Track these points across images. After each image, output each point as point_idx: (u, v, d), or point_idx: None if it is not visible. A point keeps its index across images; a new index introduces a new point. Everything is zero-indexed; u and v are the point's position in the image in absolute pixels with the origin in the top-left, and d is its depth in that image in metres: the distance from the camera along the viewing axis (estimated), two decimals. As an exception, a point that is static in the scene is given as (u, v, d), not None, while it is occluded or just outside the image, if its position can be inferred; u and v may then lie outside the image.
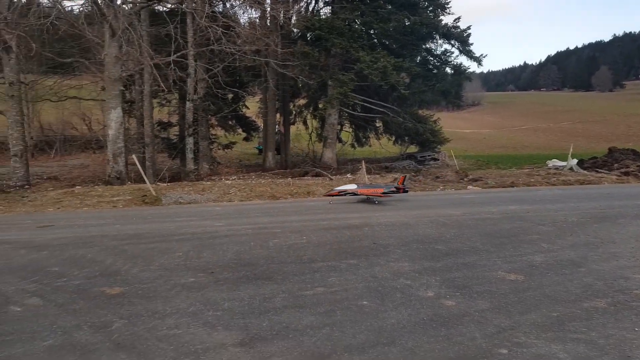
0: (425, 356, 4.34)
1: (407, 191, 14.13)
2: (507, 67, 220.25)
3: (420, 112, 31.21)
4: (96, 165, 31.18)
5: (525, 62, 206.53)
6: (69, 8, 33.88)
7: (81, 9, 24.64)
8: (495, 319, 5.17)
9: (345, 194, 13.61)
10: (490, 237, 8.91)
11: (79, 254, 8.22)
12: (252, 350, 4.48)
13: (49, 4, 20.87)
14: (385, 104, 27.90)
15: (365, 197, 13.68)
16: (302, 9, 30.30)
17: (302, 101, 36.40)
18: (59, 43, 24.25)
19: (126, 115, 26.67)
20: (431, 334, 4.79)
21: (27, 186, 20.51)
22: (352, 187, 13.83)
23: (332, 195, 13.81)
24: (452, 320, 5.11)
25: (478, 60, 29.31)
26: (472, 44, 28.98)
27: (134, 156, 19.22)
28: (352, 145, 36.06)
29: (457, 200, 14.17)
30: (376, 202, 13.38)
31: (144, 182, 17.82)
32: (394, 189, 13.58)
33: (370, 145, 36.31)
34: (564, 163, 24.41)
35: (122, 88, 22.18)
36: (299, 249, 8.20)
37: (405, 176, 14.65)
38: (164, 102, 31.07)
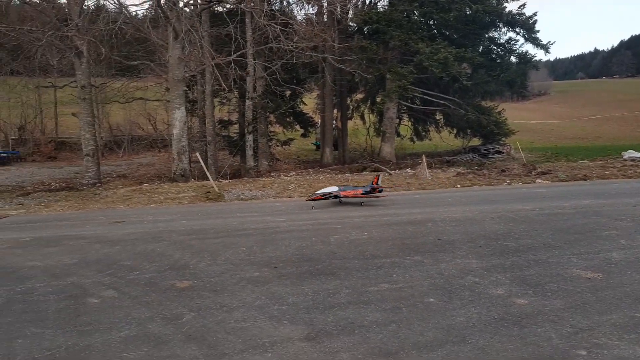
0: (497, 356, 4.15)
1: (381, 191, 13.08)
2: (576, 54, 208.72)
3: (483, 103, 30.24)
4: (161, 163, 32.48)
5: (595, 48, 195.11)
6: (135, 13, 35.34)
7: (146, 13, 25.68)
8: (572, 318, 4.87)
9: (328, 197, 12.33)
10: (563, 233, 8.45)
11: (149, 248, 8.54)
12: (319, 345, 4.45)
13: (116, 10, 21.91)
14: (446, 96, 27.21)
15: (350, 198, 12.68)
16: (359, 2, 30.09)
17: (359, 96, 36.21)
18: (125, 47, 25.38)
19: (189, 114, 27.60)
20: (503, 333, 4.58)
21: (98, 184, 21.67)
22: (334, 189, 12.50)
23: (315, 200, 12.34)
24: (525, 320, 4.86)
25: (545, 48, 28.01)
26: (538, 31, 27.73)
27: (197, 154, 19.82)
28: (411, 140, 35.49)
29: (525, 195, 13.57)
30: (362, 203, 12.54)
31: (207, 179, 18.36)
32: (370, 189, 12.65)
33: (430, 139, 35.58)
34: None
35: (185, 88, 22.91)
36: (360, 245, 8.12)
37: (379, 175, 13.54)
38: (224, 101, 31.91)
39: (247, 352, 4.35)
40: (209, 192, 15.96)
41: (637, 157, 22.77)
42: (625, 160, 22.45)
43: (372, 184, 12.92)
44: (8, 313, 5.47)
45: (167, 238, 9.38)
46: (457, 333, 4.63)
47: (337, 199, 12.56)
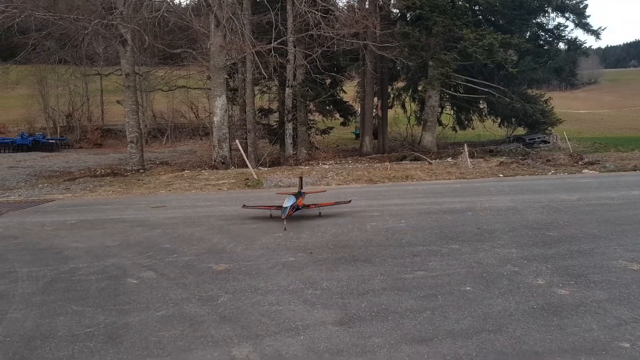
0: (535, 345, 4.03)
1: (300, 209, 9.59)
2: (629, 42, 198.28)
3: (529, 91, 29.23)
4: (203, 150, 33.11)
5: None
6: (177, 1, 35.93)
7: (188, 1, 26.07)
8: (616, 310, 4.68)
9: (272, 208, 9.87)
10: (609, 224, 8.11)
11: (188, 232, 8.74)
12: (352, 330, 4.45)
13: (160, -1, 22.31)
14: (491, 84, 26.41)
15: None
16: (402, -12, 29.51)
17: (400, 84, 35.66)
18: (168, 35, 25.84)
19: (230, 103, 27.95)
20: (542, 323, 4.45)
21: (142, 170, 22.29)
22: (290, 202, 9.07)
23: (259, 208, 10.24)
24: (565, 310, 4.70)
25: (596, 34, 26.74)
26: (589, 16, 26.50)
27: (237, 141, 20.07)
28: (453, 129, 34.73)
29: (571, 185, 13.09)
30: (320, 213, 9.95)
31: (247, 166, 18.58)
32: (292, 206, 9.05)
33: (473, 128, 34.74)
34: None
35: (226, 76, 23.17)
36: (397, 233, 8.04)
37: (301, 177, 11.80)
38: (264, 89, 32.12)
39: (280, 334, 4.39)
40: (248, 179, 16.14)
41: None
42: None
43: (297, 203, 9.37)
44: (52, 291, 5.72)
45: (206, 223, 9.56)
46: (494, 322, 4.53)
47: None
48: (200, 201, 12.72)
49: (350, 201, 10.20)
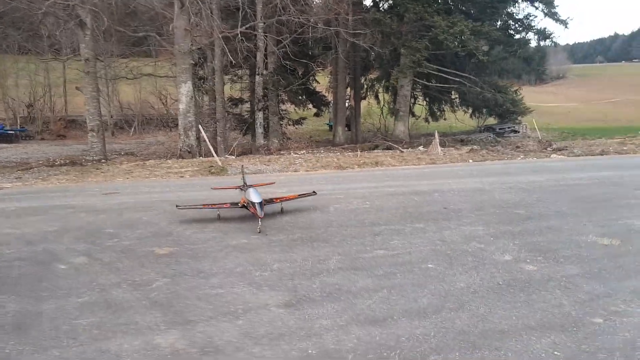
0: (499, 323, 3.63)
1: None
2: (595, 38, 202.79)
3: (499, 81, 29.23)
4: (172, 142, 32.09)
5: (615, 32, 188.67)
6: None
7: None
8: (587, 285, 4.32)
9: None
10: (578, 202, 7.83)
11: (136, 217, 8.09)
12: (298, 312, 3.97)
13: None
14: (462, 73, 26.25)
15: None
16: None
17: (373, 75, 35.36)
18: (133, 21, 24.88)
19: (199, 91, 27.12)
20: (507, 299, 4.05)
21: (103, 160, 21.35)
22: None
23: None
24: (533, 286, 4.33)
25: (564, 23, 26.71)
26: (557, 6, 26.47)
27: (200, 127, 19.38)
28: (426, 120, 34.62)
29: (540, 168, 12.88)
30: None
31: (214, 155, 17.93)
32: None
33: (445, 119, 34.67)
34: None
35: (191, 62, 22.36)
36: (360, 213, 7.59)
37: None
38: (235, 78, 31.33)
39: (215, 319, 3.89)
40: (212, 166, 15.51)
41: (656, 135, 21.86)
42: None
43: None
44: (-34, 279, 5.07)
45: (158, 207, 8.90)
46: (456, 299, 4.11)
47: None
48: (158, 187, 12.03)
49: (315, 193, 8.47)
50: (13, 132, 35.04)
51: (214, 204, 7.82)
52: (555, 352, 3.20)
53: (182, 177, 14.72)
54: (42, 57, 34.45)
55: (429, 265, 4.98)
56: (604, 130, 33.17)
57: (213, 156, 18.05)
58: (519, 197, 8.38)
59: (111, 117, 39.76)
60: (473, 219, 6.89)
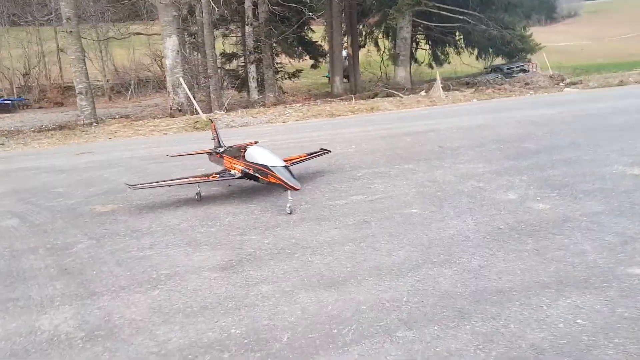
0: (498, 280, 2.68)
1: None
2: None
3: (507, 18, 27.40)
4: (168, 103, 31.10)
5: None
6: None
7: None
8: (616, 224, 3.34)
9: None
10: (598, 132, 6.76)
11: (96, 174, 7.24)
12: (235, 276, 3.05)
13: None
14: (466, 10, 24.53)
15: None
16: None
17: (372, 20, 33.53)
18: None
19: (191, 48, 25.85)
20: (510, 247, 3.09)
21: (95, 124, 20.42)
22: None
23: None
24: (545, 229, 3.35)
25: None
26: None
27: (181, 80, 18.26)
28: (430, 65, 32.92)
29: (552, 101, 11.67)
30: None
31: (208, 112, 17.00)
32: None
33: (449, 63, 32.99)
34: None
35: (175, 14, 20.97)
36: (343, 158, 6.60)
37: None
38: (226, 32, 29.80)
39: (126, 290, 2.99)
40: (197, 121, 14.53)
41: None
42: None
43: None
44: None
45: (125, 164, 8.08)
46: (442, 251, 3.15)
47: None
48: (136, 145, 11.19)
49: (328, 151, 6.14)
50: (10, 102, 34.17)
51: (195, 177, 5.34)
52: (578, 321, 2.24)
53: (165, 134, 13.85)
54: (34, 25, 33.18)
55: (413, 210, 4.01)
56: (619, 65, 31.34)
57: (207, 112, 17.12)
58: (527, 131, 7.30)
59: (107, 81, 38.61)
60: (472, 156, 5.86)
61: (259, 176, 4.69)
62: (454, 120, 9.27)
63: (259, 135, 10.30)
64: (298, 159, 5.70)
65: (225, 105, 22.88)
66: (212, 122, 7.23)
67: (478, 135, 7.28)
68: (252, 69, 24.78)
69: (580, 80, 16.87)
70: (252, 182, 5.10)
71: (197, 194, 5.09)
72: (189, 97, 21.55)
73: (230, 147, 5.96)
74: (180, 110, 20.68)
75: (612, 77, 17.62)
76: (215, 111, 19.49)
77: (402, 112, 12.86)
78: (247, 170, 4.88)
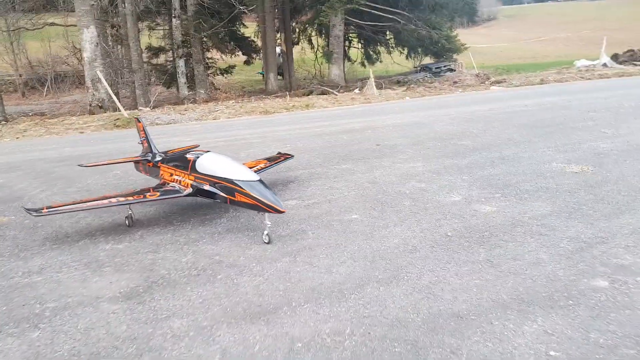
0: (453, 301, 2.31)
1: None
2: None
3: (434, 19, 28.03)
4: (88, 99, 29.20)
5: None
6: None
7: None
8: (567, 227, 3.10)
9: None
10: (529, 128, 6.71)
11: (-9, 180, 6.31)
12: (141, 308, 2.51)
13: None
14: (395, 10, 24.76)
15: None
16: None
17: (305, 17, 33.22)
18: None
19: (113, 40, 24.36)
20: (462, 259, 2.75)
21: (3, 122, 18.61)
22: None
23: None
24: (495, 235, 3.06)
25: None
26: None
27: (98, 73, 17.05)
28: (362, 64, 33.15)
29: (481, 99, 11.78)
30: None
31: (133, 108, 15.89)
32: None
33: (381, 61, 33.40)
34: (594, 62, 21.68)
35: (92, 3, 19.55)
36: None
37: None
38: (153, 24, 28.36)
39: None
40: (119, 119, 13.48)
41: (590, 64, 21.59)
42: (579, 68, 21.10)
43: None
44: None
45: (28, 167, 7.14)
46: (387, 265, 2.76)
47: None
48: (46, 145, 10.12)
49: (292, 156, 5.14)
50: None
51: (125, 195, 3.99)
52: (551, 353, 1.91)
53: (82, 132, 12.73)
54: None
55: (353, 216, 3.61)
56: (536, 65, 33.04)
57: (135, 109, 16.03)
58: (462, 128, 7.15)
59: (20, 76, 35.72)
60: (411, 155, 5.57)
61: (220, 193, 3.59)
62: (389, 118, 9.04)
63: (187, 133, 9.62)
64: (257, 167, 4.55)
65: (152, 101, 21.69)
66: (139, 121, 5.88)
67: (415, 132, 7.05)
68: (180, 63, 23.73)
69: (504, 79, 17.39)
70: (204, 200, 4.00)
71: (127, 217, 3.92)
72: (118, 95, 20.21)
73: (167, 153, 4.91)
74: (101, 107, 19.28)
75: (532, 76, 18.33)
76: (140, 108, 18.37)
77: (338, 109, 12.54)
78: (200, 186, 3.77)
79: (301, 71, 33.22)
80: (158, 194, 3.92)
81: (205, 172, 3.78)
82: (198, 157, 3.98)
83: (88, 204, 3.76)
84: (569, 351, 1.90)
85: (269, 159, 4.88)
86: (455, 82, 17.37)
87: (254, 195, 3.26)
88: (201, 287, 2.68)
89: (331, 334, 2.13)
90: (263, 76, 36.56)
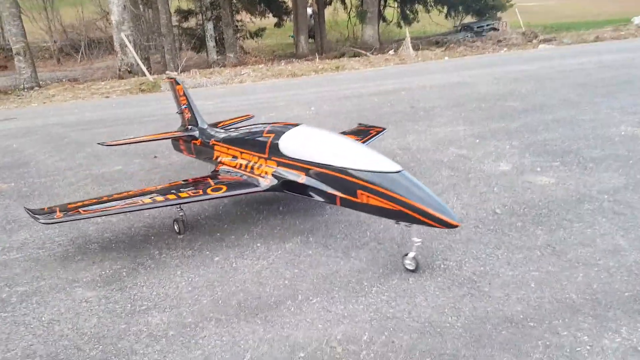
0: (504, 301, 1.78)
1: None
2: None
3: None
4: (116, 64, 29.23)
5: None
6: None
7: None
8: (651, 206, 2.48)
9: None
10: (588, 88, 5.93)
11: (4, 144, 6.07)
12: (119, 296, 2.07)
13: None
14: (435, -38, 23.42)
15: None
16: None
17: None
18: None
19: (142, 2, 24.05)
20: (514, 244, 2.19)
21: (36, 87, 18.63)
22: None
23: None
24: (556, 213, 2.48)
25: None
26: None
27: (123, 36, 16.71)
28: (398, 25, 31.76)
29: (529, 57, 10.82)
30: None
31: (162, 73, 15.57)
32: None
33: (418, 21, 31.97)
34: (654, 17, 19.93)
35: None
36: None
37: None
38: (182, -13, 27.89)
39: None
40: (144, 83, 13.18)
41: (650, 20, 19.84)
42: (639, 25, 19.40)
43: None
44: None
45: (43, 132, 6.90)
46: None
47: None
48: (70, 110, 9.94)
49: (384, 129, 4.04)
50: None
51: (173, 188, 2.84)
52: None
53: (107, 97, 12.57)
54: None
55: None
56: (588, 24, 30.96)
57: (160, 73, 15.71)
58: (509, 88, 6.42)
59: (54, 42, 36.03)
60: (449, 117, 4.95)
61: (328, 190, 2.37)
62: (426, 79, 8.33)
63: (208, 97, 9.17)
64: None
65: (181, 66, 21.35)
66: (177, 83, 4.52)
67: (454, 93, 6.37)
68: (209, 26, 23.24)
69: (554, 37, 16.10)
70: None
71: (176, 221, 2.75)
72: (148, 59, 19.98)
73: (217, 125, 3.86)
74: (130, 72, 19.07)
75: (585, 34, 16.92)
76: (167, 72, 18.03)
77: (370, 71, 11.82)
78: (289, 177, 2.64)
79: (334, 33, 32.14)
80: (225, 187, 2.70)
81: (296, 157, 2.63)
82: (283, 133, 2.86)
83: (119, 203, 2.55)
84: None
85: (356, 133, 3.60)
86: (499, 41, 16.26)
87: (399, 197, 2.12)
88: (193, 271, 2.23)
89: (344, 341, 1.64)
90: (294, 39, 35.69)
